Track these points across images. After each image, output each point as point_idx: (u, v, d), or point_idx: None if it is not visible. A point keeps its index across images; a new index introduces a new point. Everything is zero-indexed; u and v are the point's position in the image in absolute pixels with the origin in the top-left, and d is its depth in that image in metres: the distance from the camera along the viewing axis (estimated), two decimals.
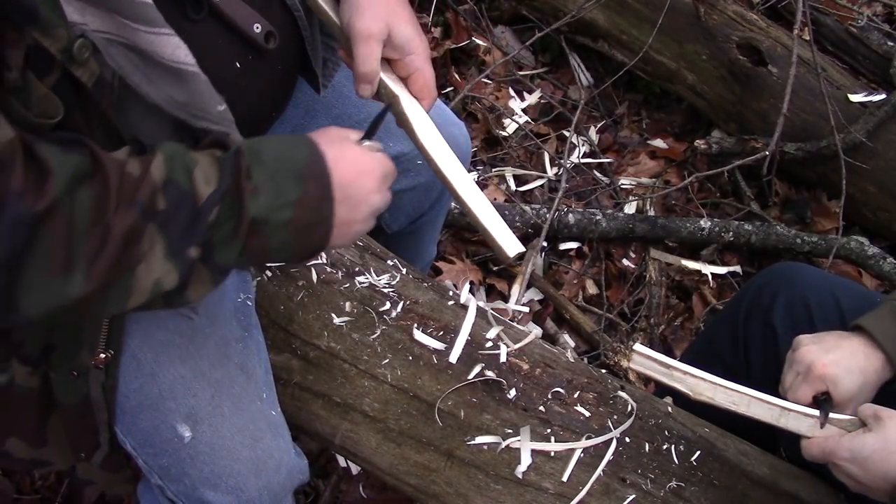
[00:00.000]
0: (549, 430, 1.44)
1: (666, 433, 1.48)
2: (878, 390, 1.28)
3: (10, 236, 0.81)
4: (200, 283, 0.96)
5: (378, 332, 1.47)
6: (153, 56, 0.93)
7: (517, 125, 2.73)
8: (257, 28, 1.13)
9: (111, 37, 0.91)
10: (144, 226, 0.89)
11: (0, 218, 0.81)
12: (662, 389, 1.81)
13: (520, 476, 1.40)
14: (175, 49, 0.94)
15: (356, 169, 1.04)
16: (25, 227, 0.82)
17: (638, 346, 1.31)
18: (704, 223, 2.46)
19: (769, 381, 1.50)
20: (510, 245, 1.11)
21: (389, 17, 1.12)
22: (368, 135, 1.10)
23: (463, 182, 1.13)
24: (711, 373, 1.56)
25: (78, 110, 0.92)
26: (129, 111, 0.98)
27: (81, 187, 0.86)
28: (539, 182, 2.64)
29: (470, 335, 1.47)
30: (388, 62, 1.16)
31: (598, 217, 2.43)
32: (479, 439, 1.41)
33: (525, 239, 2.42)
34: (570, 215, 2.41)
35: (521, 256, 1.13)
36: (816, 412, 1.25)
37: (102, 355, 1.13)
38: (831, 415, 1.24)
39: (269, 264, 1.39)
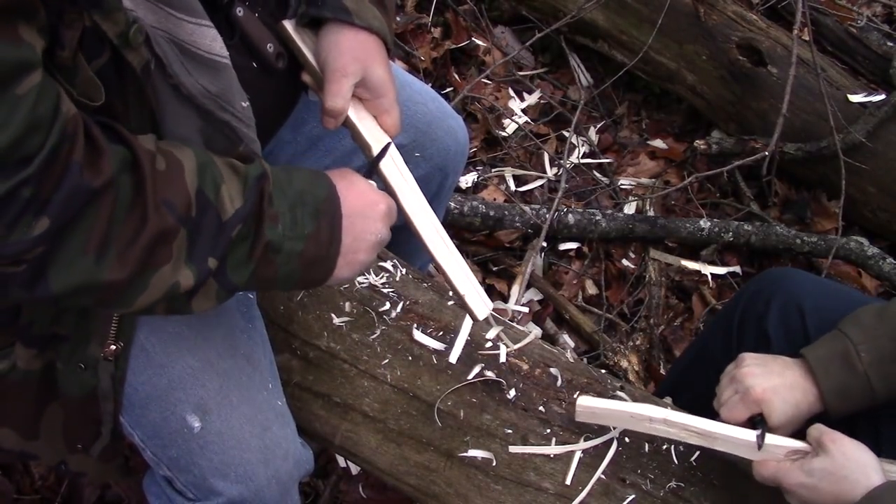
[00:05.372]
0: (549, 430, 1.44)
1: None
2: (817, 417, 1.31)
3: (66, 206, 0.85)
4: (206, 297, 1.01)
5: (378, 332, 1.47)
6: (191, 46, 0.98)
7: (517, 125, 2.73)
8: (270, 48, 1.19)
9: (154, 28, 0.95)
10: (178, 228, 0.94)
11: (60, 186, 0.85)
12: (662, 389, 1.82)
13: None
14: (212, 41, 0.99)
15: (363, 201, 1.12)
16: (80, 200, 0.86)
17: (581, 400, 1.37)
18: (704, 223, 2.46)
19: None
20: (480, 308, 1.22)
21: (367, 59, 1.19)
22: (368, 174, 1.18)
23: (434, 236, 1.21)
24: (706, 380, 1.56)
25: (118, 96, 0.96)
26: (163, 100, 1.01)
27: (125, 172, 0.91)
28: (539, 182, 2.64)
29: (470, 335, 1.47)
30: (361, 102, 1.23)
31: (597, 217, 2.43)
32: (471, 452, 1.41)
33: (525, 239, 2.42)
34: (570, 215, 2.41)
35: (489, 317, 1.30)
36: (751, 435, 1.28)
37: (113, 346, 1.15)
38: (774, 439, 1.27)
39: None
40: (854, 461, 1.19)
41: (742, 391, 1.32)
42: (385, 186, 1.21)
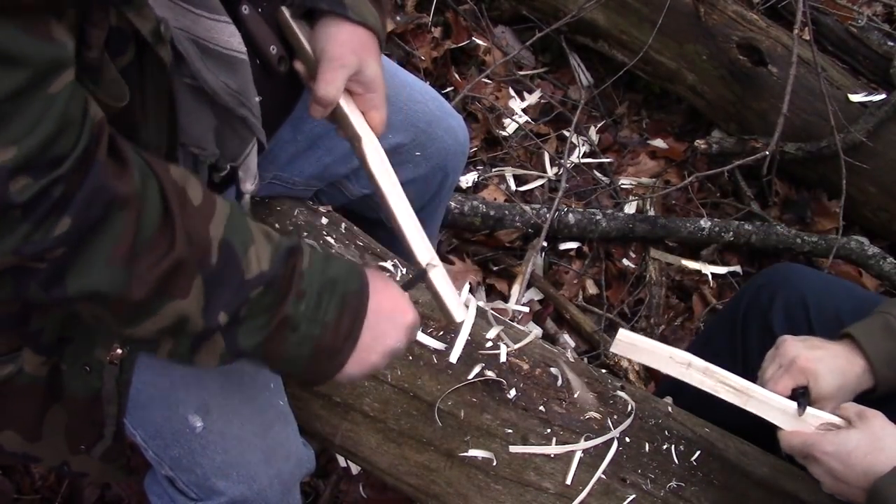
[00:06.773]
0: (549, 430, 1.44)
1: (666, 433, 1.48)
2: (860, 398, 1.29)
3: (88, 206, 0.83)
4: (211, 353, 0.99)
5: None
6: (209, 43, 0.97)
7: (517, 125, 2.73)
8: (273, 50, 1.19)
9: (174, 26, 0.95)
10: (197, 270, 0.93)
11: (83, 184, 0.82)
12: (662, 389, 1.82)
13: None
14: (230, 37, 0.99)
15: (392, 305, 1.10)
16: (102, 202, 0.84)
17: (622, 333, 1.31)
18: (704, 223, 2.45)
19: None
20: (457, 311, 1.18)
21: (363, 52, 1.19)
22: (406, 288, 1.16)
23: (411, 226, 1.17)
24: None
25: (138, 95, 0.95)
26: (180, 99, 1.01)
27: (152, 190, 0.89)
28: (539, 182, 2.64)
29: (470, 335, 1.47)
30: (351, 96, 1.21)
31: (598, 217, 2.43)
32: (472, 452, 1.41)
33: (525, 239, 2.42)
34: (570, 215, 2.41)
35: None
36: (788, 403, 1.26)
37: (118, 350, 1.14)
38: (810, 411, 1.25)
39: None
40: (892, 435, 1.17)
41: (786, 363, 1.30)
42: (369, 179, 1.20)
